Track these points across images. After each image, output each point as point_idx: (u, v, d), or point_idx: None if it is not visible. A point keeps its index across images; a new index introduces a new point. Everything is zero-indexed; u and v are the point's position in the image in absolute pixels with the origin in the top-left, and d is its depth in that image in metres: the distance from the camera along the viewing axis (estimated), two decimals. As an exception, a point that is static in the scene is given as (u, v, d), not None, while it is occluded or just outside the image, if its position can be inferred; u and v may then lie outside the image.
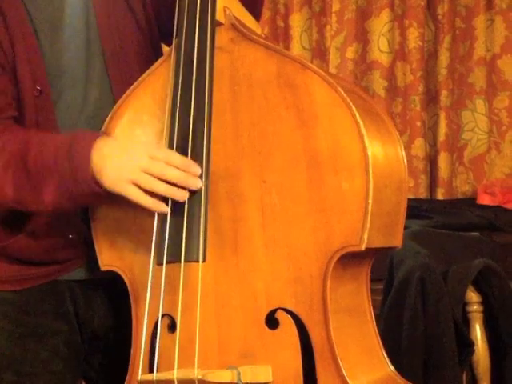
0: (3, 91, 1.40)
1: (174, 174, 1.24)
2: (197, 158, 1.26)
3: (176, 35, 1.31)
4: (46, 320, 1.49)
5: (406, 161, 1.38)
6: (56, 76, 1.44)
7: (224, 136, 1.29)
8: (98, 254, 1.40)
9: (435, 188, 3.44)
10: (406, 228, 2.74)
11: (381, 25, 3.43)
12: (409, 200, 3.43)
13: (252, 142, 1.27)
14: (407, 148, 3.44)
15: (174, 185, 1.25)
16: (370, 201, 1.21)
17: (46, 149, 1.33)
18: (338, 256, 1.24)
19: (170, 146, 1.28)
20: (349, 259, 1.28)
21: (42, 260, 1.47)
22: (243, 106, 1.29)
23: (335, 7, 3.40)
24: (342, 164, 1.22)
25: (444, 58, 3.41)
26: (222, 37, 1.31)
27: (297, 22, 3.42)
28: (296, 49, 3.42)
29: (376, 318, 2.37)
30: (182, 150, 1.27)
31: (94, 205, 1.38)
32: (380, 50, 3.44)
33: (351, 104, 1.22)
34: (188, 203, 1.25)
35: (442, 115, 3.41)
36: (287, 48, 3.42)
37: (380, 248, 1.33)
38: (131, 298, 1.37)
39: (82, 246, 1.46)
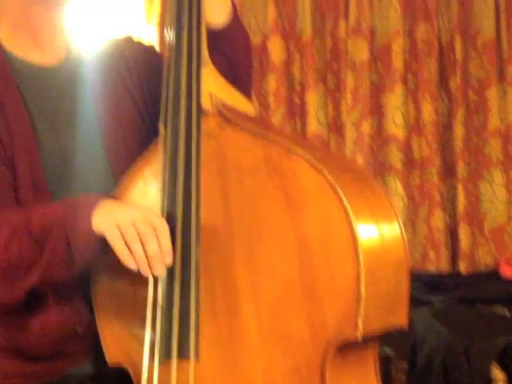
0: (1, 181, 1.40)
1: (152, 247, 1.23)
2: (186, 250, 1.24)
3: (163, 124, 1.31)
4: None
5: (405, 237, 1.34)
6: (54, 170, 1.43)
7: (215, 224, 1.27)
8: (104, 350, 1.37)
9: (457, 260, 3.40)
10: (428, 303, 2.73)
11: (395, 99, 3.45)
12: (430, 274, 3.40)
13: (242, 229, 1.25)
14: (426, 220, 3.42)
15: None
16: (363, 286, 1.18)
17: (49, 210, 1.33)
18: (334, 344, 1.20)
19: None
20: (348, 345, 1.23)
21: (49, 354, 1.44)
22: (233, 191, 1.27)
23: (349, 83, 3.43)
24: (332, 249, 1.20)
25: (459, 130, 3.42)
26: (210, 123, 1.31)
27: (312, 98, 3.44)
28: (313, 125, 3.44)
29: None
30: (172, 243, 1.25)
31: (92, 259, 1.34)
32: (395, 123, 3.45)
33: (337, 188, 1.20)
34: (180, 298, 1.23)
35: (460, 187, 3.39)
36: (304, 124, 3.45)
37: (381, 330, 1.28)
38: None
39: (89, 338, 1.42)
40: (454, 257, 3.43)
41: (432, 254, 3.40)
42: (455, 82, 3.42)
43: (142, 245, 1.23)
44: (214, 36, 1.40)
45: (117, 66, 1.52)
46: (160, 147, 1.32)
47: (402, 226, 1.34)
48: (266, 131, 1.29)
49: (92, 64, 1.50)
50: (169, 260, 1.23)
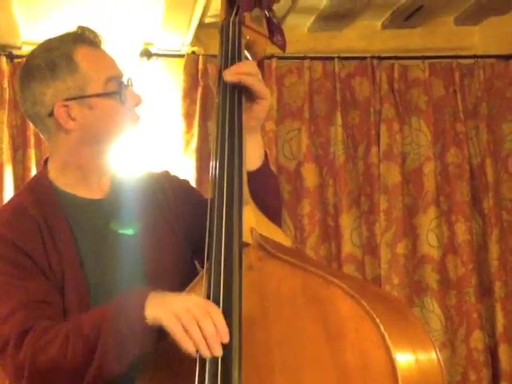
0: (52, 302, 1.47)
1: (209, 327, 1.29)
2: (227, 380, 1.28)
3: (206, 258, 1.38)
4: None
5: (442, 363, 1.37)
6: (97, 293, 1.51)
7: (255, 352, 1.31)
8: None
9: (498, 381, 3.36)
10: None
11: (428, 221, 3.49)
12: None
13: (283, 358, 1.29)
14: (465, 341, 3.40)
15: None
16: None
17: (98, 310, 1.40)
18: None
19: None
20: None
21: None
22: (273, 321, 1.32)
23: (383, 206, 3.49)
24: (371, 377, 1.23)
25: (494, 250, 3.45)
26: (251, 256, 1.38)
27: (346, 221, 3.49)
28: (347, 246, 3.47)
29: None
30: (214, 370, 1.29)
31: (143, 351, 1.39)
32: (429, 244, 3.49)
33: (375, 316, 1.24)
34: None
35: (498, 306, 3.39)
36: (338, 246, 3.48)
37: None
38: None
39: None
40: (495, 377, 3.39)
41: (472, 375, 3.37)
42: (488, 204, 3.48)
43: (199, 327, 1.29)
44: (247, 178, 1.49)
45: (156, 195, 1.63)
46: (203, 280, 1.39)
47: (439, 354, 1.37)
48: (303, 262, 1.34)
49: (133, 194, 1.61)
50: (226, 339, 1.29)
